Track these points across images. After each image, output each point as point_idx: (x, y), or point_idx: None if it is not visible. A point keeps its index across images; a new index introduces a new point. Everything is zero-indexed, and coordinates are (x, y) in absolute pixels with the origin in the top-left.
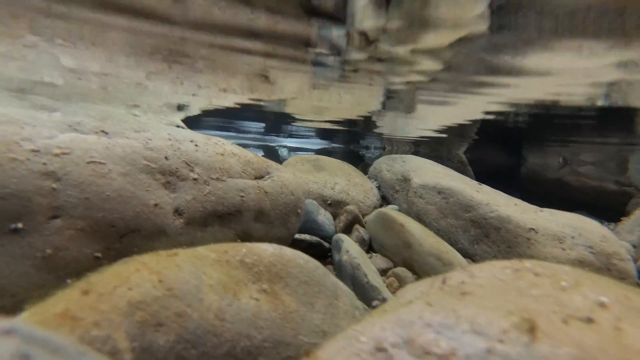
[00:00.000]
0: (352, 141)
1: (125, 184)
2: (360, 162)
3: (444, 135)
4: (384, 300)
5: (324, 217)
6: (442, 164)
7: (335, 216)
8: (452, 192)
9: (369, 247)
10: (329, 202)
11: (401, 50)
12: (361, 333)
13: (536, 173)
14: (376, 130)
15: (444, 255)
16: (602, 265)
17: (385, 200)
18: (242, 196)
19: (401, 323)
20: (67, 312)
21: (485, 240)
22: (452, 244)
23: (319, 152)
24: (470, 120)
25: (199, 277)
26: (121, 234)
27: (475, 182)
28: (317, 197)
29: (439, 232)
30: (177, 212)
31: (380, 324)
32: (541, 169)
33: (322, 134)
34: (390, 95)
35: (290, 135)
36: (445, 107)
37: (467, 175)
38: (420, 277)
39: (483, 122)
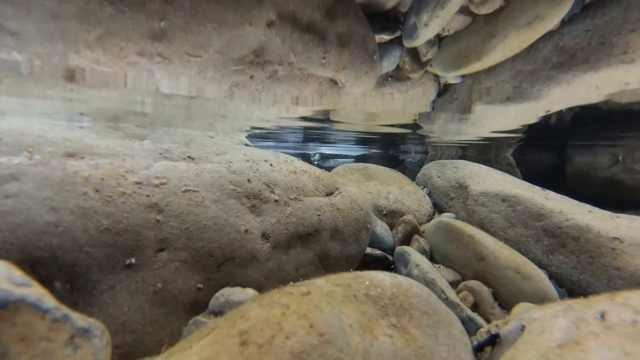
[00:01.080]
0: (391, 146)
1: (218, 211)
2: (397, 167)
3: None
4: (490, 334)
5: (381, 228)
6: (491, 167)
7: (391, 226)
8: (519, 200)
9: (430, 257)
10: (384, 212)
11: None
12: None
13: (584, 172)
14: (424, 134)
15: (522, 267)
16: None
17: (437, 208)
18: (318, 215)
19: None
20: None
21: (561, 250)
22: (522, 255)
23: (358, 158)
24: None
25: (340, 318)
26: (219, 263)
27: (538, 188)
28: (372, 207)
29: (507, 242)
30: (264, 236)
31: None
32: (589, 168)
33: (361, 139)
34: (442, 92)
35: (329, 142)
36: (507, 108)
37: (518, 178)
38: (496, 290)
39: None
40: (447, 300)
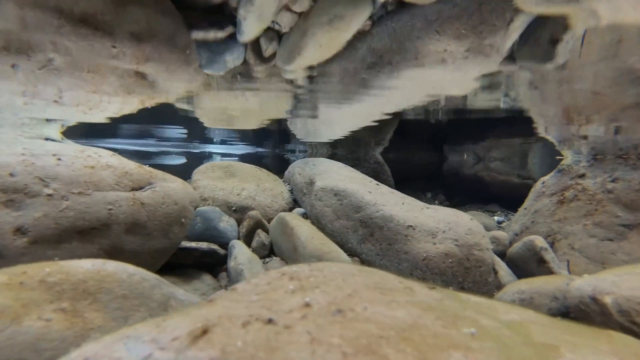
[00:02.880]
0: (278, 145)
1: None
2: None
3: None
4: None
5: (226, 223)
6: (360, 165)
7: (241, 222)
8: (347, 194)
9: (270, 251)
10: (234, 208)
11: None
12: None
13: (455, 170)
14: (293, 134)
15: (326, 256)
16: (464, 256)
17: (297, 204)
18: (110, 209)
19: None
20: None
21: (370, 239)
22: (343, 244)
23: (243, 157)
24: (377, 121)
25: None
26: None
27: (374, 184)
28: (222, 204)
29: (333, 234)
30: (20, 231)
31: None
32: (459, 166)
33: (247, 138)
34: (298, 99)
35: (214, 142)
36: (346, 110)
37: (384, 175)
38: None
39: (404, 123)
40: None
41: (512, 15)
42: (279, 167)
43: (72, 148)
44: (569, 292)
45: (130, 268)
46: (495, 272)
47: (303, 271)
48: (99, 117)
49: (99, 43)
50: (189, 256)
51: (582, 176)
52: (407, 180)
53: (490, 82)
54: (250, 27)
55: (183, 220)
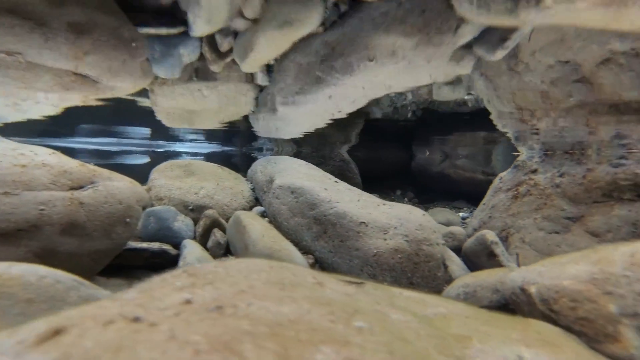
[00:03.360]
0: (245, 143)
1: None
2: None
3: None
4: None
5: (182, 223)
6: (325, 163)
7: (198, 222)
8: (303, 191)
9: (227, 250)
10: (190, 207)
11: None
12: None
13: (423, 167)
14: (255, 132)
15: (276, 254)
16: (413, 252)
17: (259, 203)
18: (42, 210)
19: None
20: None
21: (323, 236)
22: (298, 242)
23: (209, 156)
24: (341, 120)
25: None
26: None
27: (332, 181)
28: (178, 203)
29: (288, 231)
30: None
31: None
32: (427, 163)
33: (212, 137)
34: (261, 92)
35: (179, 140)
36: (303, 108)
37: (350, 173)
38: None
39: (373, 121)
40: None
41: (458, 22)
42: (247, 165)
43: (1, 146)
44: (505, 284)
45: (42, 270)
46: (445, 267)
47: (205, 268)
48: (34, 113)
49: (27, 37)
50: (138, 257)
51: (534, 171)
52: (376, 178)
53: (452, 78)
54: (200, 28)
55: (128, 220)
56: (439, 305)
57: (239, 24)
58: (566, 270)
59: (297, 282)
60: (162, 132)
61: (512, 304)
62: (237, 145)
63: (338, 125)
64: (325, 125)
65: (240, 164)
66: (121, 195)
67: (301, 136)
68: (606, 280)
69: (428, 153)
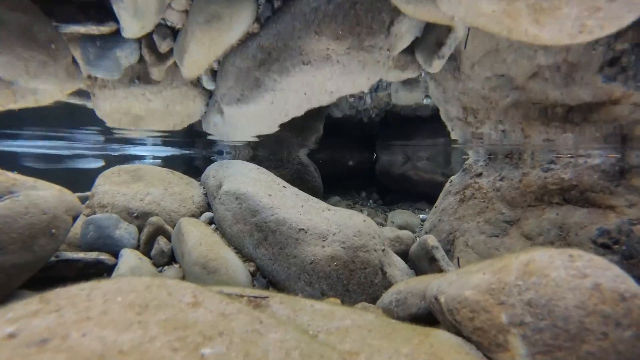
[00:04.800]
0: (206, 146)
1: None
2: None
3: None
4: None
5: (124, 231)
6: (283, 166)
7: (143, 229)
8: (246, 197)
9: (172, 258)
10: (135, 214)
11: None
12: None
13: (386, 169)
14: (209, 136)
15: (210, 263)
16: (349, 259)
17: (210, 208)
18: None
19: None
20: None
21: (264, 243)
22: (240, 249)
23: (167, 159)
24: (296, 123)
25: None
26: None
27: (280, 186)
28: (122, 210)
29: (231, 238)
30: None
31: None
32: (390, 165)
33: (172, 140)
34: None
35: (133, 143)
36: (247, 111)
37: (308, 176)
38: None
39: (335, 123)
40: None
41: (391, 17)
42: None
43: None
44: (427, 292)
45: None
46: (384, 273)
47: (67, 291)
48: None
49: None
50: (71, 268)
51: (479, 175)
52: (341, 180)
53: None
54: (128, 24)
55: (54, 230)
56: (347, 317)
57: (173, 17)
58: (470, 280)
59: (165, 304)
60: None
61: (433, 313)
62: (199, 148)
63: (295, 129)
64: (279, 129)
65: (202, 167)
66: (46, 205)
67: (257, 140)
68: (501, 290)
69: (375, 154)
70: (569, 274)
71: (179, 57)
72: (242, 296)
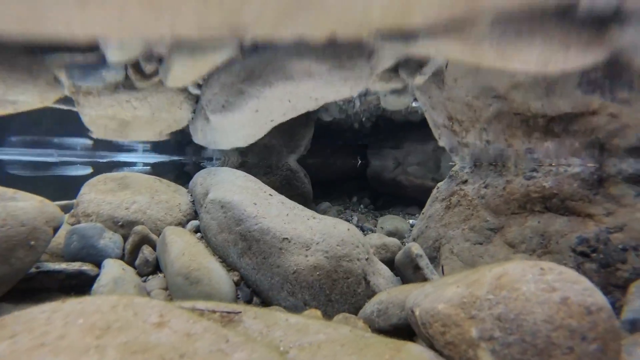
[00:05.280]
0: (196, 153)
1: None
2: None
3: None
4: None
5: (109, 240)
6: (272, 173)
7: (128, 238)
8: (232, 206)
9: (157, 267)
10: (120, 223)
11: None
12: None
13: (378, 174)
14: (196, 142)
15: (193, 273)
16: (332, 268)
17: (197, 216)
18: None
19: None
20: None
21: (248, 252)
22: (225, 259)
23: (156, 166)
24: (285, 129)
25: None
26: None
27: (267, 194)
28: (107, 219)
29: (216, 248)
30: None
31: None
32: (381, 170)
33: (158, 146)
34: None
35: (123, 150)
36: (232, 119)
37: (298, 182)
38: (172, 299)
39: (326, 128)
40: None
41: (370, 50)
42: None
43: None
44: (406, 303)
45: None
46: (367, 282)
47: (26, 314)
48: None
49: None
50: (53, 280)
51: (465, 182)
52: (332, 185)
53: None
54: (115, 55)
55: (33, 242)
56: (321, 332)
57: (160, 48)
58: (444, 293)
59: (129, 325)
60: (105, 142)
61: (411, 324)
62: (189, 155)
63: (283, 135)
64: (267, 135)
65: (193, 173)
66: (25, 217)
67: (245, 146)
68: (472, 304)
69: (357, 159)
70: (539, 287)
71: (164, 76)
72: (214, 312)
